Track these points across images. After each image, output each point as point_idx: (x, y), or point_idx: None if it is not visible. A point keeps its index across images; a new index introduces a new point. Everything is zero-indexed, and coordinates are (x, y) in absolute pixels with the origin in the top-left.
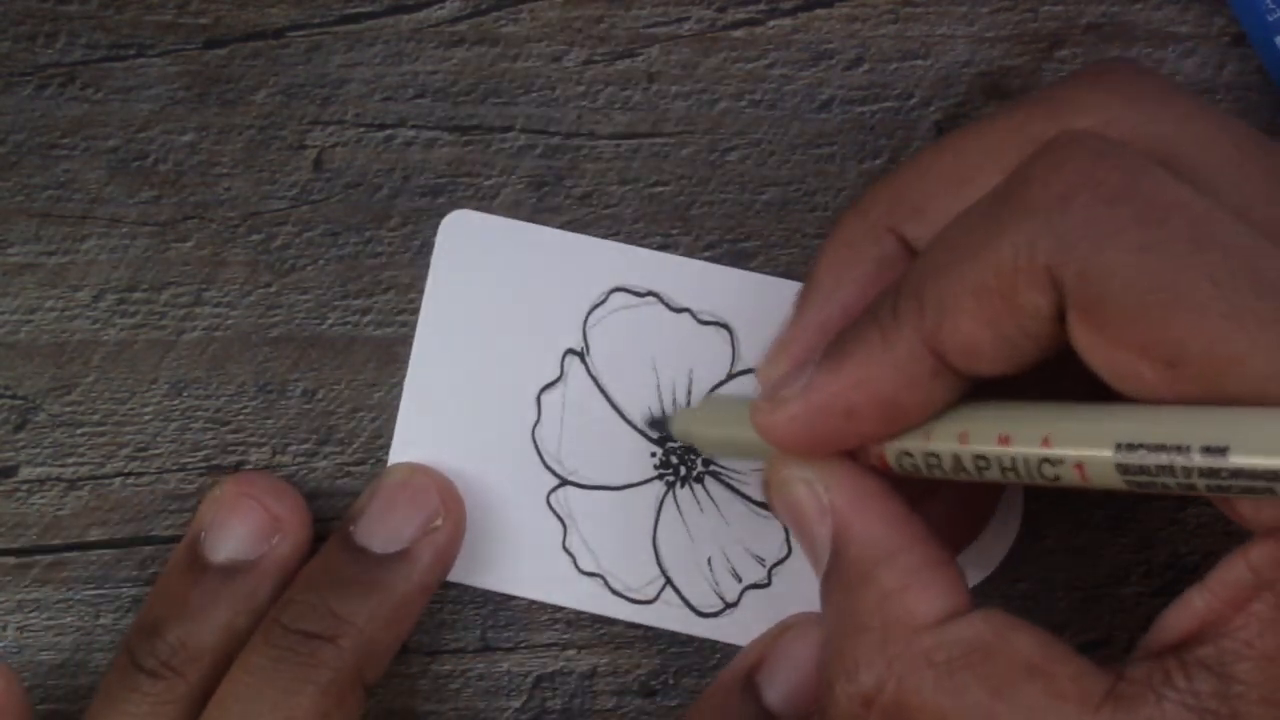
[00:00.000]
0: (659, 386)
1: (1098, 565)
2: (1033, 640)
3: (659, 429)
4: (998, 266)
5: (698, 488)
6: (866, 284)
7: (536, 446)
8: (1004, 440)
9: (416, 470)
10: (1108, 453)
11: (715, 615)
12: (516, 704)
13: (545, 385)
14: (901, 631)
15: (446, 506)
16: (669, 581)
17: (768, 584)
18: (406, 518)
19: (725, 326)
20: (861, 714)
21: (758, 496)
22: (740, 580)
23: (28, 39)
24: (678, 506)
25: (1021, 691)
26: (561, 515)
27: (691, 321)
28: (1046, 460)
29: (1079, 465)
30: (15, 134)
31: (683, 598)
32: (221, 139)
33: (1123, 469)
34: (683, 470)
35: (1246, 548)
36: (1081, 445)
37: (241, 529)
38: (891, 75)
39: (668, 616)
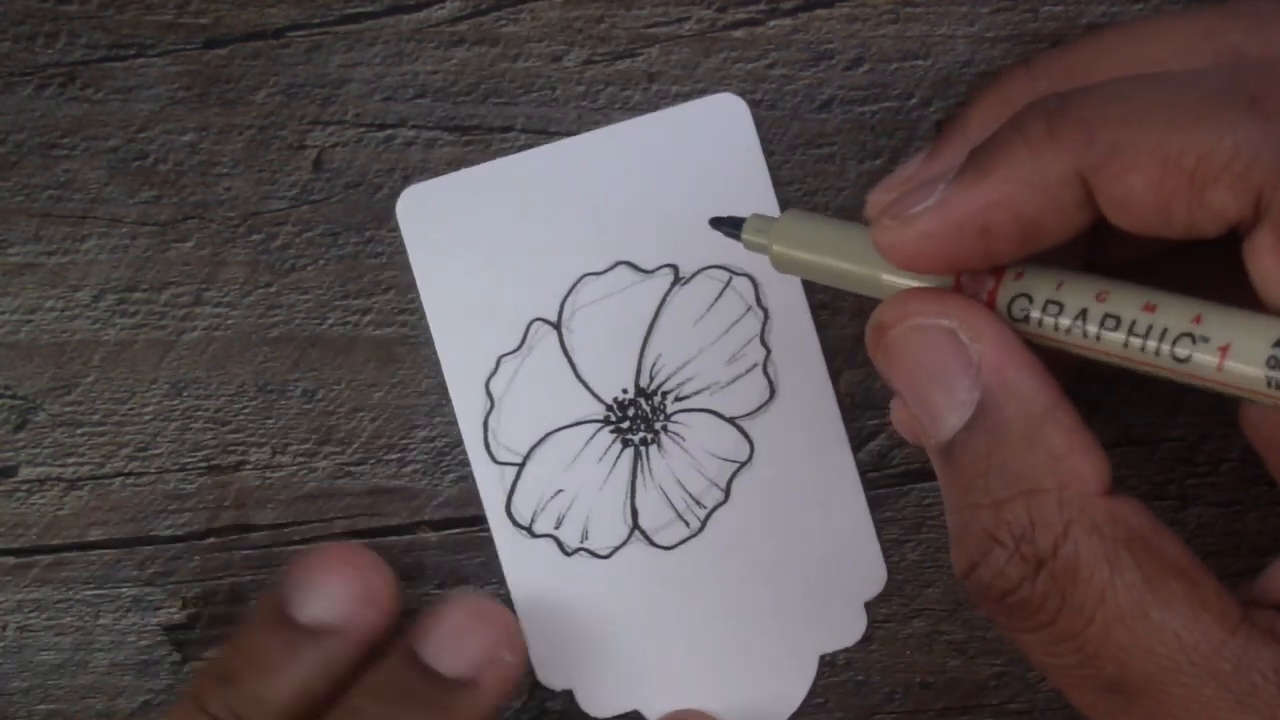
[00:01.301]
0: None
1: None
2: (1181, 546)
3: (725, 228)
4: (1206, 154)
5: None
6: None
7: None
8: (1149, 308)
9: (486, 601)
10: (1262, 345)
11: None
12: (517, 704)
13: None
14: (1077, 495)
15: (514, 641)
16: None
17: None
18: (476, 646)
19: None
20: (1031, 575)
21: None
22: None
23: (28, 39)
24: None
25: (1171, 590)
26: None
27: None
28: (1189, 335)
29: (1224, 349)
30: (15, 134)
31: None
32: (221, 139)
33: (1274, 363)
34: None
35: None
36: (1236, 332)
37: (336, 592)
38: (891, 75)
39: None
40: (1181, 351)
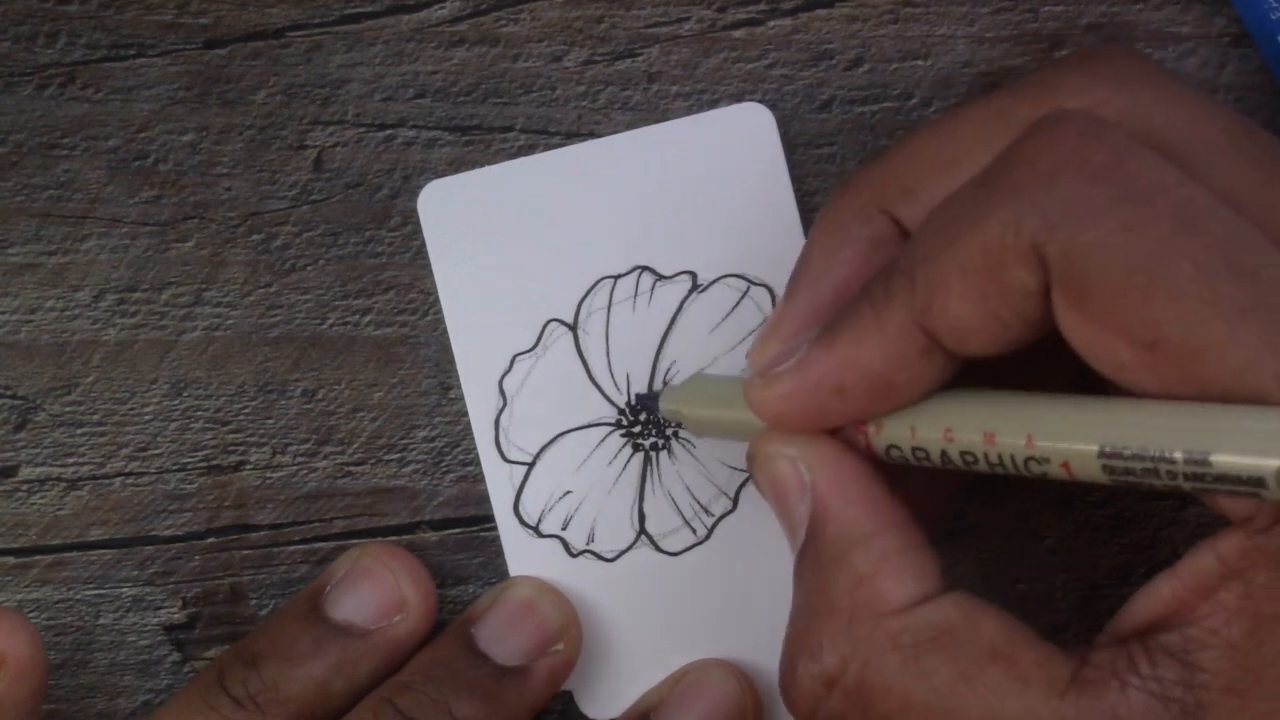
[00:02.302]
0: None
1: (1098, 565)
2: (998, 624)
3: (646, 407)
4: (985, 245)
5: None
6: (859, 264)
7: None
8: (989, 438)
9: (545, 590)
10: (1092, 458)
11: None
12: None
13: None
14: (869, 615)
15: (568, 632)
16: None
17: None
18: (531, 635)
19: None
20: (823, 694)
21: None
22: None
23: (28, 39)
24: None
25: (986, 675)
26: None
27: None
28: (1032, 459)
29: (1065, 464)
30: (15, 134)
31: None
32: (221, 139)
33: (1109, 470)
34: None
35: (1215, 539)
36: (1066, 447)
37: (369, 597)
38: (891, 75)
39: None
40: (1036, 469)
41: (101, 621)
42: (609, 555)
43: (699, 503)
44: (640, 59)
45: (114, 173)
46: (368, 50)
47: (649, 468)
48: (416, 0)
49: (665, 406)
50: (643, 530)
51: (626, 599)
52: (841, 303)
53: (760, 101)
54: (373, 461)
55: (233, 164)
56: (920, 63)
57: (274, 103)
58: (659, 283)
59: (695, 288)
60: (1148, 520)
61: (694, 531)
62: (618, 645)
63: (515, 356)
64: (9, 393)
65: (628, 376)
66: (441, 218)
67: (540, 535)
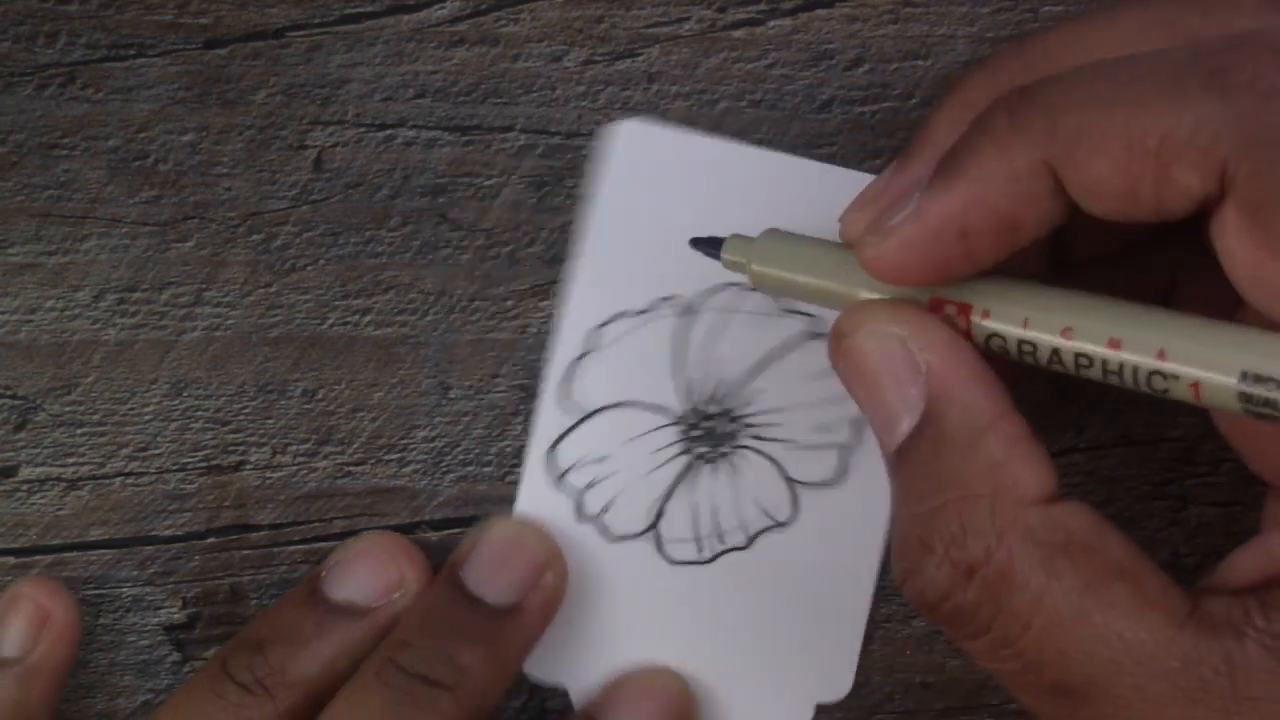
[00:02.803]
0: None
1: None
2: (1124, 545)
3: (705, 249)
4: (1170, 132)
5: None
6: None
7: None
8: (1114, 344)
9: (523, 524)
10: (1232, 379)
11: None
12: (517, 704)
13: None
14: (1011, 503)
15: (554, 561)
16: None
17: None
18: (519, 570)
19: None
20: (962, 582)
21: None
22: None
23: (28, 39)
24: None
25: (1113, 591)
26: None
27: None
28: (1159, 374)
29: (1195, 386)
30: (15, 134)
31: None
32: (221, 139)
33: (1245, 398)
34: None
35: None
36: (1203, 367)
37: (367, 576)
38: (891, 75)
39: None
40: (1160, 385)
41: (101, 621)
42: (613, 534)
43: (719, 527)
44: (640, 59)
45: (114, 173)
46: (368, 50)
47: (689, 473)
48: (416, 0)
49: (729, 258)
50: (655, 525)
51: (616, 589)
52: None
53: (760, 101)
54: (373, 461)
55: (233, 164)
56: (920, 63)
57: (274, 103)
58: (784, 315)
59: (813, 335)
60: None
61: (700, 550)
62: (610, 642)
63: (619, 314)
64: (9, 393)
65: (715, 385)
66: (625, 157)
67: (559, 486)
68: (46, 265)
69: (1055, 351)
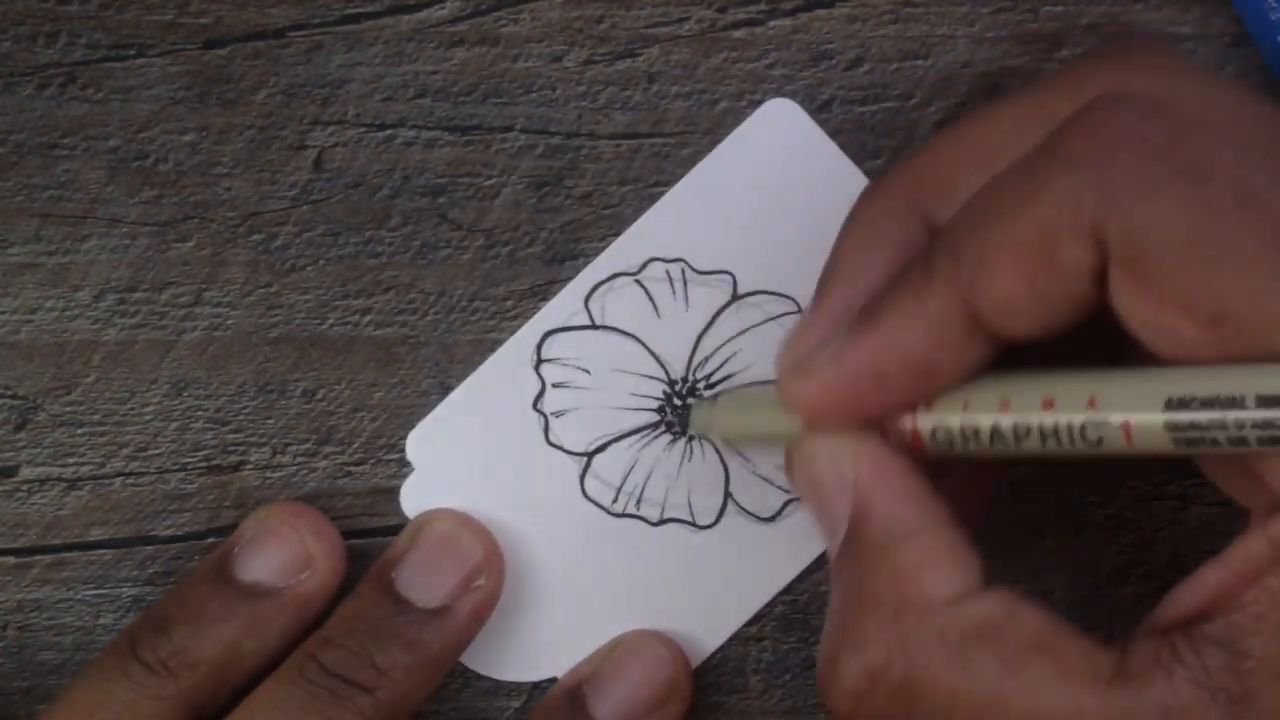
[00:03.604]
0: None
1: (1098, 565)
2: (1040, 619)
3: (678, 421)
4: (1040, 221)
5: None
6: (892, 265)
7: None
8: (1048, 404)
9: (462, 524)
10: (1157, 411)
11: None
12: (517, 704)
13: None
14: (914, 609)
15: (490, 564)
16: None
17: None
18: (451, 573)
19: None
20: (867, 690)
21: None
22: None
23: (28, 39)
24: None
25: (1031, 668)
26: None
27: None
28: (1091, 423)
29: (1126, 426)
30: (15, 134)
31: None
32: (222, 139)
33: (1172, 426)
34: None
35: (1267, 522)
36: (1130, 405)
37: (274, 555)
38: (891, 75)
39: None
40: (1093, 435)
41: (101, 621)
42: (551, 439)
43: (642, 493)
44: (640, 59)
45: (114, 173)
46: (368, 50)
47: (650, 431)
48: (416, 0)
49: (696, 421)
50: (591, 455)
51: (528, 482)
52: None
53: (760, 102)
54: (373, 461)
55: (233, 164)
56: (920, 63)
57: (274, 103)
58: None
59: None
60: (1148, 521)
61: (613, 500)
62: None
63: (681, 259)
64: (9, 393)
65: (717, 373)
66: (757, 129)
67: (532, 367)
68: (46, 265)
69: (995, 429)
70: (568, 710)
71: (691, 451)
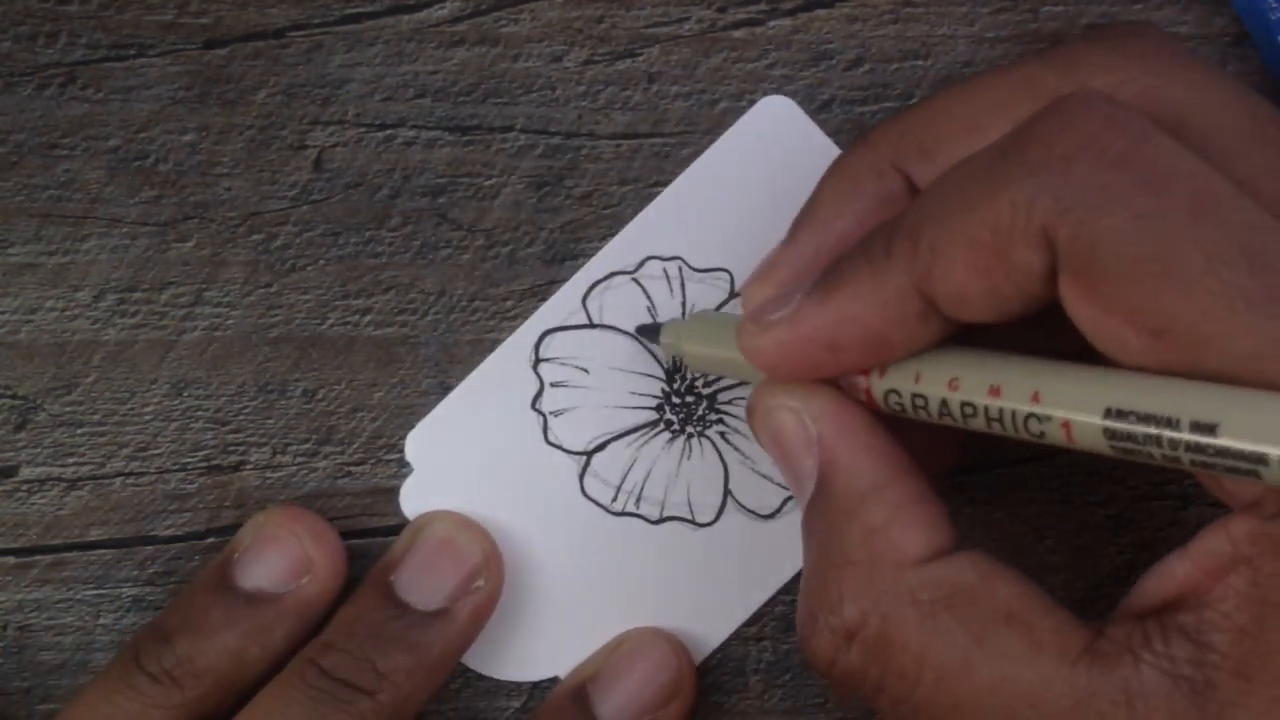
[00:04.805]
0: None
1: (1098, 565)
2: (1015, 588)
3: (648, 336)
4: (994, 222)
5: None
6: (865, 216)
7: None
8: (994, 392)
9: (460, 526)
10: (1096, 418)
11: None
12: (517, 704)
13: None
14: (888, 567)
15: (489, 565)
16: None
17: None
18: (450, 575)
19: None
20: (843, 646)
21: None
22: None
23: (28, 39)
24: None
25: (1000, 638)
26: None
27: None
28: (1034, 416)
29: (1066, 425)
30: (15, 134)
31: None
32: (222, 139)
33: (1110, 434)
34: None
35: (1227, 521)
36: (1071, 406)
37: (275, 562)
38: (891, 75)
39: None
40: (1035, 428)
41: (101, 621)
42: (550, 439)
43: (642, 492)
44: (640, 59)
45: (114, 173)
46: (368, 50)
47: (649, 430)
48: (416, 0)
49: (665, 341)
50: (590, 454)
51: (528, 480)
52: (843, 251)
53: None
54: (373, 461)
55: (233, 164)
56: (920, 63)
57: (274, 103)
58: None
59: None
60: (1148, 520)
61: (613, 499)
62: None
63: (679, 257)
64: (9, 393)
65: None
66: (753, 126)
67: (530, 367)
68: (46, 265)
69: (944, 403)
70: (573, 710)
71: (690, 449)
